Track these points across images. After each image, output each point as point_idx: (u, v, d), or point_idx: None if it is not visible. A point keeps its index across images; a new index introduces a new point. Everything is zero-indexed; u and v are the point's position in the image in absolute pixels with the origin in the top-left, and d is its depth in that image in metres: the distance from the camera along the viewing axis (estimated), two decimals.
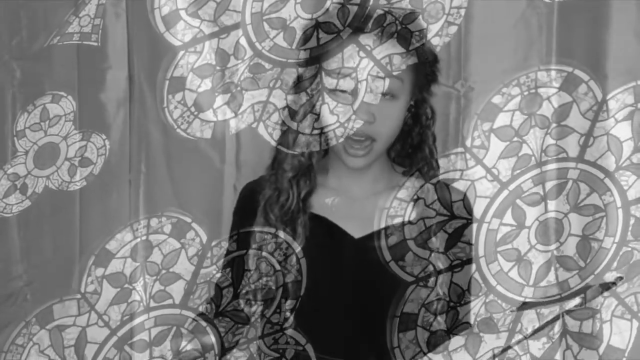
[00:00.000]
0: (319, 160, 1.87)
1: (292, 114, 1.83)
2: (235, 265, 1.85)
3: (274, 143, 1.86)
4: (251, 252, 1.85)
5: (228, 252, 1.87)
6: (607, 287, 1.74)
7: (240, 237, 1.86)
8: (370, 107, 1.78)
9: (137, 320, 1.87)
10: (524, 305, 1.77)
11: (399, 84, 1.79)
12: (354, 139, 1.80)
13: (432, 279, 1.80)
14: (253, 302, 1.84)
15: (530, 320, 1.77)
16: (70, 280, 1.90)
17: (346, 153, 1.82)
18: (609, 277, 1.74)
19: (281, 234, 1.84)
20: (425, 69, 1.83)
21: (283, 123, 1.85)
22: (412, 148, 1.89)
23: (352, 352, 1.82)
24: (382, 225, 1.82)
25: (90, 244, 1.91)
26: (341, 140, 1.81)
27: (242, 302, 1.85)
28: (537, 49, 1.79)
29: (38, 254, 1.99)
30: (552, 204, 1.77)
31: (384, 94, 1.79)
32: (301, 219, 1.84)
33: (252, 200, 1.88)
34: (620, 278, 1.74)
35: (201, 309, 1.86)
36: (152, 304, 1.87)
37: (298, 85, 1.82)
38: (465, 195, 1.80)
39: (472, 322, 1.79)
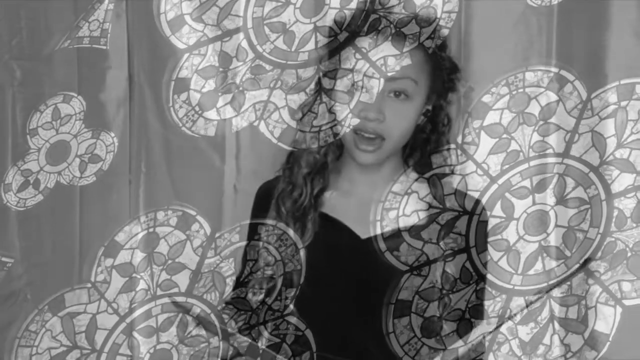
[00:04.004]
0: (333, 161, 1.81)
1: (292, 112, 1.76)
2: (238, 256, 1.79)
3: (274, 140, 1.77)
4: (253, 243, 1.78)
5: (231, 244, 1.80)
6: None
7: (243, 229, 1.79)
8: (381, 105, 1.69)
9: (144, 308, 1.81)
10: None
11: (413, 85, 1.72)
12: (364, 136, 1.73)
13: (426, 268, 1.71)
14: (255, 290, 1.77)
15: (518, 306, 1.71)
16: (70, 280, 1.84)
17: (357, 148, 1.74)
18: (593, 266, 1.68)
19: (281, 225, 1.76)
20: (442, 75, 1.76)
21: (283, 121, 1.77)
22: (429, 157, 1.81)
23: (351, 344, 1.75)
24: (378, 218, 1.72)
25: (90, 244, 1.85)
26: (338, 137, 1.75)
27: (244, 290, 1.77)
28: (537, 49, 1.73)
29: (38, 254, 1.92)
30: (539, 197, 1.71)
31: (397, 94, 1.71)
32: (311, 215, 1.77)
33: (267, 197, 1.81)
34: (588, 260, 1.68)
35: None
36: (159, 292, 1.81)
37: (297, 86, 1.74)
38: (456, 190, 1.74)
39: (463, 308, 1.73)
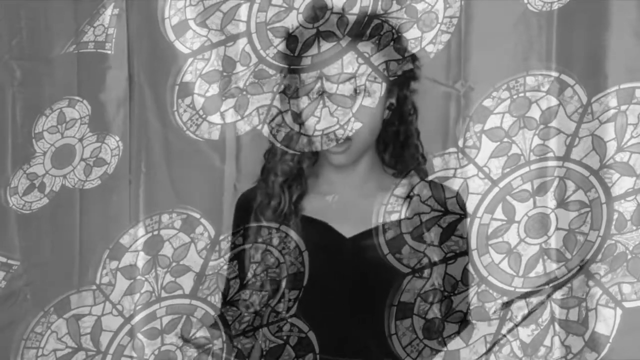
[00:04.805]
0: (309, 167, 1.80)
1: (295, 116, 1.74)
2: (241, 258, 1.78)
3: (278, 144, 1.77)
4: (257, 245, 1.77)
5: (235, 246, 1.79)
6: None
7: (247, 232, 1.78)
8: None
9: (149, 310, 1.81)
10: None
11: (372, 81, 1.72)
12: (331, 138, 1.73)
13: (427, 271, 1.72)
14: (258, 292, 1.76)
15: (519, 308, 1.71)
16: (70, 280, 1.84)
17: (329, 152, 1.74)
18: (594, 268, 1.68)
19: (285, 228, 1.75)
20: (401, 67, 1.75)
21: (286, 125, 1.76)
22: (400, 147, 1.81)
23: (348, 343, 1.74)
24: (380, 221, 1.73)
25: (90, 245, 1.85)
26: (341, 140, 1.72)
27: (248, 292, 1.76)
28: (537, 49, 1.72)
29: (38, 254, 1.91)
30: (540, 200, 1.71)
31: (358, 92, 1.72)
32: (293, 220, 1.76)
33: (247, 207, 1.80)
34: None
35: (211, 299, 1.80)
36: (163, 294, 1.81)
37: (300, 90, 1.73)
38: (458, 192, 1.73)
39: (465, 310, 1.72)
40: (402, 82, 1.76)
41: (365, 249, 1.73)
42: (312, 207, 1.79)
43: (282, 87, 1.75)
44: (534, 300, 1.69)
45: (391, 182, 1.79)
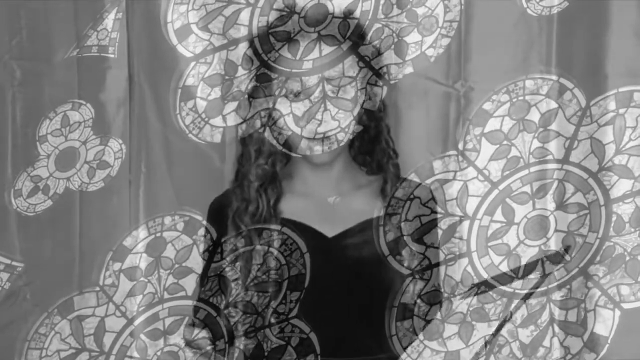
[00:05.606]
0: (282, 168, 1.80)
1: (296, 119, 1.74)
2: (243, 260, 1.77)
3: (279, 147, 1.77)
4: (258, 247, 1.77)
5: (236, 248, 1.78)
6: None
7: (249, 234, 1.78)
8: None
9: (151, 311, 1.81)
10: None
11: (349, 80, 1.73)
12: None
13: (428, 272, 1.72)
14: (260, 294, 1.76)
15: (518, 309, 1.69)
16: (70, 280, 1.84)
17: (310, 150, 1.75)
18: (593, 269, 1.68)
19: (286, 230, 1.75)
20: (370, 64, 1.75)
21: (288, 128, 1.76)
22: (371, 142, 1.81)
23: (345, 343, 1.75)
24: (381, 223, 1.72)
25: (90, 245, 1.85)
26: (342, 144, 1.74)
27: (250, 293, 1.76)
28: (537, 49, 1.73)
29: (38, 254, 1.90)
30: (539, 203, 1.71)
31: (337, 92, 1.72)
32: (274, 224, 1.76)
33: (220, 213, 1.80)
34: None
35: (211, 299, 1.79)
36: (166, 295, 1.80)
37: (302, 93, 1.73)
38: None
39: (464, 311, 1.72)
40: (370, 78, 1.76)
41: (349, 248, 1.74)
42: (290, 208, 1.79)
43: (284, 90, 1.75)
44: (533, 301, 1.69)
45: (365, 180, 1.80)
